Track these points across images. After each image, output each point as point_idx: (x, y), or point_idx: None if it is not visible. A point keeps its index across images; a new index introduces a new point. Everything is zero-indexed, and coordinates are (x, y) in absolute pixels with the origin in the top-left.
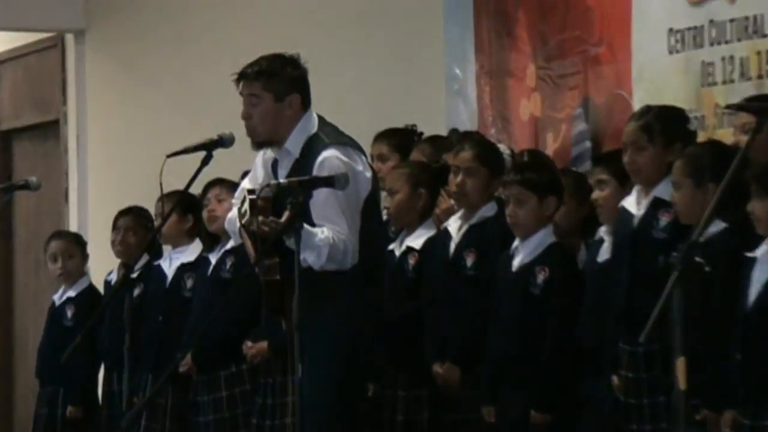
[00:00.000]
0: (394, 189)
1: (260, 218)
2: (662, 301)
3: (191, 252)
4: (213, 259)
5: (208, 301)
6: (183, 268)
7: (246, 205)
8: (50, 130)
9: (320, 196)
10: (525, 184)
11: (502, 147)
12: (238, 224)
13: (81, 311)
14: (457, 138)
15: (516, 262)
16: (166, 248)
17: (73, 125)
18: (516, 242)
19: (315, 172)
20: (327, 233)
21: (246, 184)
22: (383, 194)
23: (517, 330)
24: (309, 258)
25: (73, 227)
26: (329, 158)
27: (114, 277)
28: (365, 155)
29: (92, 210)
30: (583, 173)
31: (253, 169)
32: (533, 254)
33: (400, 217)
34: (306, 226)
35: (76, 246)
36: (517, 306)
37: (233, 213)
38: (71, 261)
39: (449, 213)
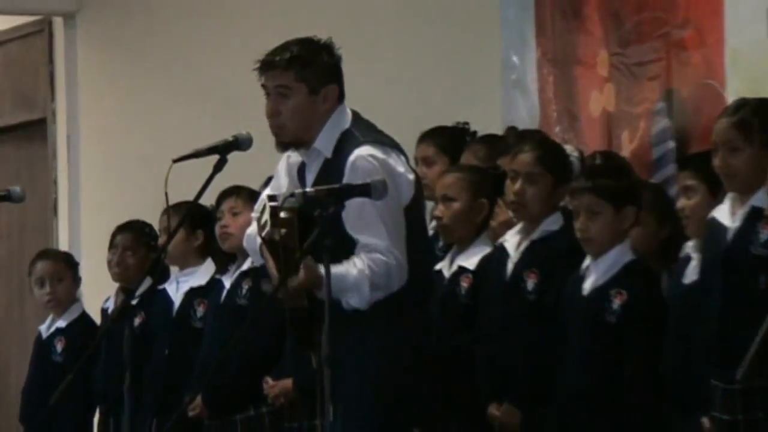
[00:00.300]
0: (450, 196)
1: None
2: (764, 330)
3: (202, 274)
4: (227, 282)
5: (221, 331)
6: (192, 294)
7: (267, 215)
8: (36, 130)
9: (354, 203)
10: (598, 192)
11: (569, 148)
12: (258, 241)
13: (73, 344)
14: (515, 138)
15: (587, 285)
16: (173, 270)
17: (62, 125)
18: (587, 261)
19: (346, 174)
20: (359, 264)
21: (267, 192)
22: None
23: (589, 365)
24: (351, 301)
25: (63, 245)
26: (362, 157)
27: (111, 304)
28: (406, 156)
29: (85, 225)
30: (661, 185)
31: (275, 177)
32: (608, 275)
33: (456, 231)
34: (333, 268)
35: (66, 267)
36: (590, 336)
37: (252, 228)
38: (61, 285)
39: (507, 226)
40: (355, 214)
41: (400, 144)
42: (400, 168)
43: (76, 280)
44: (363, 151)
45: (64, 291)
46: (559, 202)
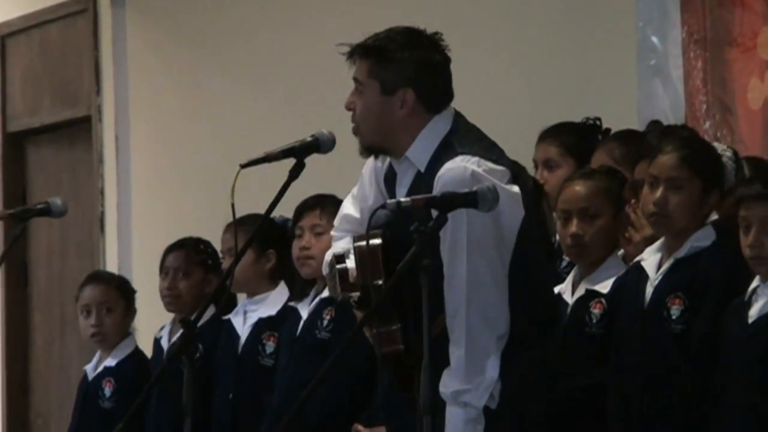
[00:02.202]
0: (593, 212)
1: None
2: None
3: (272, 302)
4: (304, 311)
5: (298, 371)
6: (261, 326)
7: (337, 279)
8: (78, 131)
9: (449, 227)
10: None
11: (720, 147)
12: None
13: (124, 387)
14: (659, 136)
15: (754, 311)
16: (240, 297)
17: (110, 124)
18: (755, 282)
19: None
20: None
21: (349, 205)
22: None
23: (756, 411)
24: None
25: (110, 267)
26: (450, 169)
27: (166, 335)
28: (513, 173)
29: (137, 244)
30: None
31: (360, 185)
32: None
33: (596, 250)
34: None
35: (119, 295)
36: (758, 375)
37: (331, 253)
38: (110, 316)
39: (646, 244)
40: (448, 243)
41: (518, 146)
42: (503, 185)
43: (130, 312)
44: (454, 163)
45: (113, 323)
46: (709, 213)
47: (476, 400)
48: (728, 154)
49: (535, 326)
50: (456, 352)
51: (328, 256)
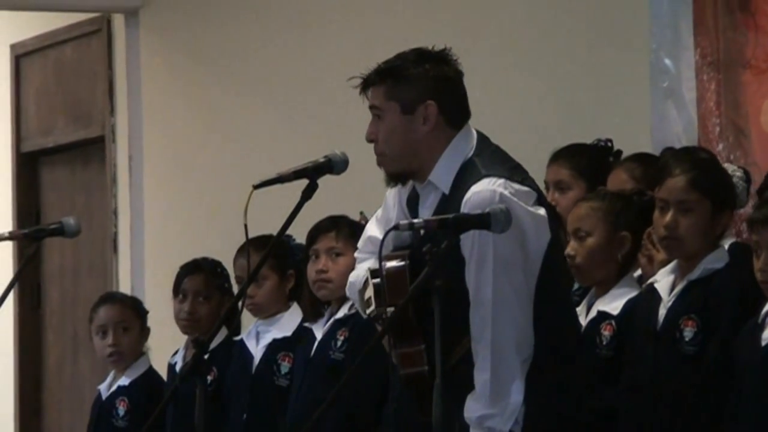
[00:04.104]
0: (585, 231)
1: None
2: None
3: (286, 323)
4: (318, 332)
5: (311, 391)
6: (276, 346)
7: (370, 291)
8: (92, 151)
9: (473, 251)
10: None
11: (731, 167)
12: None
13: (137, 406)
14: (671, 156)
15: (767, 334)
16: (251, 318)
17: (123, 144)
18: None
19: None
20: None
21: (373, 227)
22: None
23: None
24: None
25: (123, 287)
26: (477, 193)
27: (180, 360)
28: (540, 194)
29: (150, 264)
30: None
31: (384, 208)
32: None
33: (593, 271)
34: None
35: (134, 315)
36: None
37: (356, 273)
38: (126, 336)
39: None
40: (474, 265)
41: (530, 167)
42: (529, 207)
43: (144, 331)
44: (480, 186)
45: (129, 343)
46: (722, 233)
47: (502, 425)
48: (738, 174)
49: (560, 350)
50: (481, 376)
51: (353, 277)
